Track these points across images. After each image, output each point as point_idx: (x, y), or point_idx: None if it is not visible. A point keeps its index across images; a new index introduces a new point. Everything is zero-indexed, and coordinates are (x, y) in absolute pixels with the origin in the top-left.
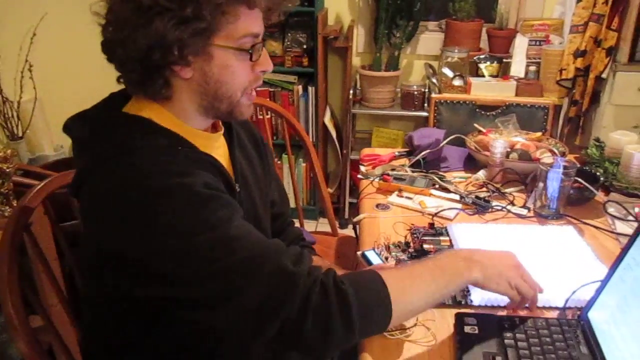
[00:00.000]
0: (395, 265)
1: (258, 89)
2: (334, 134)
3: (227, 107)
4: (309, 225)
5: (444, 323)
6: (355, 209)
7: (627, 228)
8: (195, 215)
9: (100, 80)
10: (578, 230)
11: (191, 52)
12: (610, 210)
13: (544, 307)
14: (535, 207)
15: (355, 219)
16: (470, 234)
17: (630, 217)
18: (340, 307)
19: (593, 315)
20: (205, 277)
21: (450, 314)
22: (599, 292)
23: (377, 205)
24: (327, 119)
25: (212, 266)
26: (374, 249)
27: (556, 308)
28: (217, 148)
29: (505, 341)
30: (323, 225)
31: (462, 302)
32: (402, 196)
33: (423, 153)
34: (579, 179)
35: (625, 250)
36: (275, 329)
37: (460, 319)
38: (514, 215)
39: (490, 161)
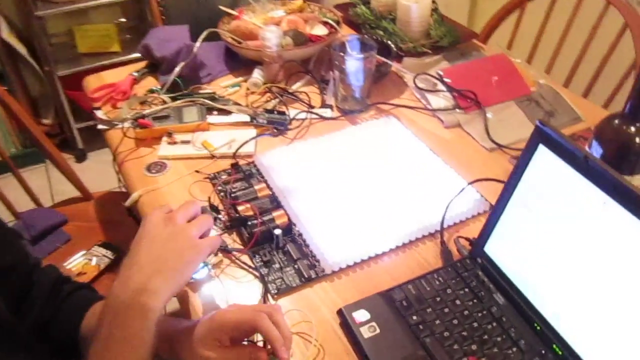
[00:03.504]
0: None
1: None
2: (22, 49)
3: None
4: (38, 173)
5: (323, 322)
6: (95, 136)
7: (440, 100)
8: None
9: None
10: (397, 119)
11: None
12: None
13: (424, 236)
14: (337, 102)
15: (127, 204)
16: (284, 162)
17: (440, 87)
18: None
19: (492, 250)
20: None
21: (323, 300)
22: (493, 222)
23: (149, 169)
24: (6, 34)
25: None
26: None
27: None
28: None
29: (418, 333)
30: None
31: (314, 277)
32: (175, 142)
33: (177, 69)
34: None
35: (519, 169)
36: None
37: (346, 317)
38: (320, 120)
39: (266, 57)
